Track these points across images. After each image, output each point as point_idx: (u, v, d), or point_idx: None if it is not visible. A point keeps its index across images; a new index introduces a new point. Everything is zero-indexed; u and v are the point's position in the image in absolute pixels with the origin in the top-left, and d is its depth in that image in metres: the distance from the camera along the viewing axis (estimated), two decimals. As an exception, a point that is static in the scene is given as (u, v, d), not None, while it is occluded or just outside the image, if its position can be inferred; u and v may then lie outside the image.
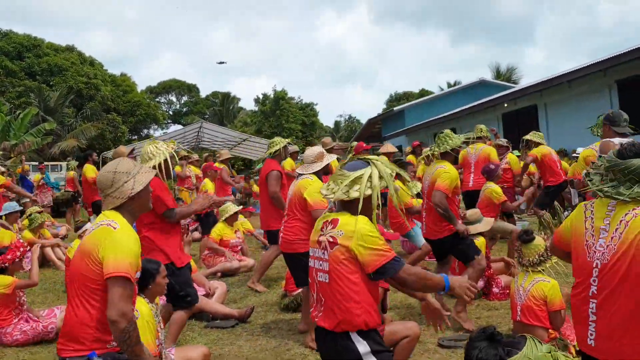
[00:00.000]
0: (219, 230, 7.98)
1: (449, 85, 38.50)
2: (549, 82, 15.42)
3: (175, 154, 4.64)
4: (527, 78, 39.66)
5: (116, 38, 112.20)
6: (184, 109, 56.06)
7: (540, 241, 4.21)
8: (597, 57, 14.58)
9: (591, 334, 2.52)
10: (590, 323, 2.52)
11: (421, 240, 6.83)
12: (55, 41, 37.40)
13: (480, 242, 5.78)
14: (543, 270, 4.11)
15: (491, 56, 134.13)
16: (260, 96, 41.95)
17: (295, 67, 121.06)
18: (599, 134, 5.21)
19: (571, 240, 2.70)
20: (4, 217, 8.42)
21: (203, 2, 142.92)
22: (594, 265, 2.52)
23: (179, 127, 44.74)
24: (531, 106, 16.77)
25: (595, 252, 2.53)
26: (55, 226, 10.87)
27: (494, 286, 5.84)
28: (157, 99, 53.32)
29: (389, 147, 10.42)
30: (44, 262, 8.50)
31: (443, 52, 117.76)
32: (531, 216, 10.04)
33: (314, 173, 4.99)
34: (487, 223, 6.03)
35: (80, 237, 6.97)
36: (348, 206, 2.81)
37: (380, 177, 2.83)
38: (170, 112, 55.54)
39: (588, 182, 2.70)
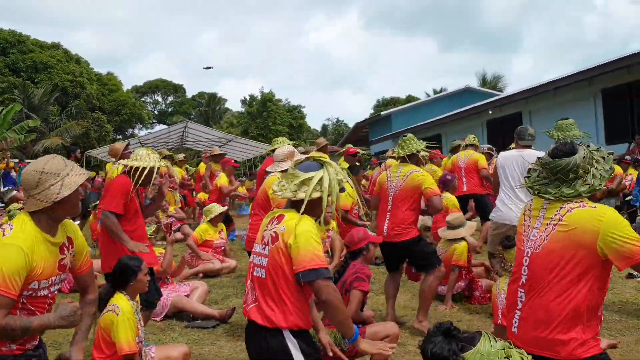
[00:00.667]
0: (202, 230, 7.92)
1: (435, 92, 38.76)
2: (534, 89, 15.57)
3: (157, 169, 4.56)
4: (513, 86, 40.02)
5: (103, 37, 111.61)
6: (170, 109, 55.79)
7: None
8: (582, 67, 14.75)
9: (515, 322, 2.59)
10: (516, 311, 2.60)
11: None
12: (41, 38, 37.04)
13: (462, 246, 5.82)
14: None
15: (478, 64, 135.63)
16: (247, 97, 41.92)
17: (284, 70, 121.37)
18: (557, 138, 5.30)
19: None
20: None
21: (192, 3, 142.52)
22: (525, 254, 2.61)
23: (164, 127, 44.54)
24: (516, 113, 16.91)
25: (528, 241, 2.61)
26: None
27: (475, 290, 5.88)
28: (143, 99, 53.03)
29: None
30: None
31: (431, 59, 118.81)
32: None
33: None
34: (470, 227, 6.08)
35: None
36: (296, 205, 2.77)
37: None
38: (156, 112, 55.27)
39: (526, 178, 2.79)
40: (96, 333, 3.62)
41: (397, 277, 5.38)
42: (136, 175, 4.35)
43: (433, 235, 7.88)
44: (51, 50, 36.00)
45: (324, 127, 54.94)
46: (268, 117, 38.21)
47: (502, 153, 5.83)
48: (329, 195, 2.78)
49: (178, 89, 56.72)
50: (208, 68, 55.66)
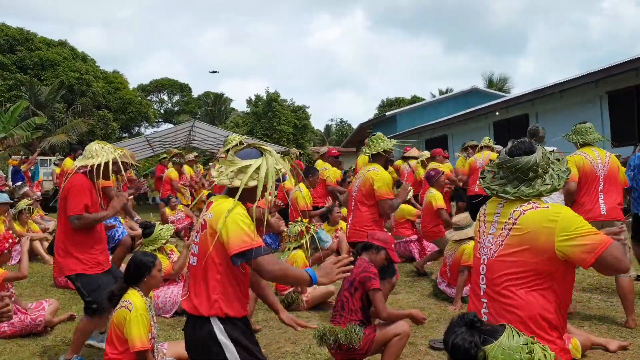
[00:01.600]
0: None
1: (441, 93, 38.68)
2: (540, 91, 15.55)
3: (119, 162, 4.48)
4: (519, 88, 40.04)
5: (110, 35, 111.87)
6: (176, 108, 55.80)
7: None
8: (588, 69, 14.74)
9: None
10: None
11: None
12: (48, 36, 37.13)
13: (471, 246, 5.82)
14: None
15: (483, 66, 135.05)
16: (253, 97, 41.93)
17: (288, 70, 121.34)
18: (574, 141, 5.37)
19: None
20: None
21: (198, 2, 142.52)
22: (482, 262, 2.52)
23: (170, 125, 44.55)
24: (522, 115, 16.89)
25: (483, 248, 2.53)
26: (45, 220, 10.81)
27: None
28: (149, 97, 53.03)
29: (414, 151, 10.60)
30: (32, 255, 8.44)
31: (436, 60, 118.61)
32: None
33: None
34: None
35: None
36: (232, 193, 2.72)
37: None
38: (162, 111, 55.29)
39: (481, 179, 2.74)
40: (109, 329, 3.64)
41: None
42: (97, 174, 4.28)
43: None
44: (58, 47, 36.09)
45: (328, 127, 54.91)
46: (273, 117, 38.19)
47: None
48: (264, 184, 2.72)
49: (184, 88, 56.74)
50: (214, 72, 55.85)
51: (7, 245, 5.50)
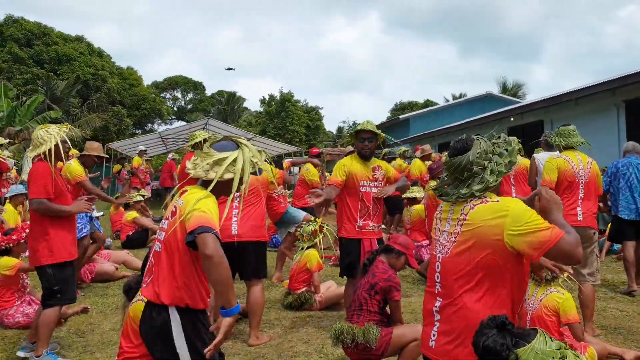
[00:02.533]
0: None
1: (455, 98, 38.54)
2: (556, 98, 15.46)
3: (67, 139, 4.45)
4: (533, 95, 39.77)
5: (126, 32, 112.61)
6: (189, 106, 56.05)
7: None
8: (602, 77, 14.61)
9: (434, 335, 2.42)
10: (435, 322, 2.43)
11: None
12: (65, 31, 37.44)
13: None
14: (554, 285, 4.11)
15: (497, 71, 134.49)
16: (266, 97, 42.03)
17: (302, 70, 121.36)
18: (557, 143, 5.36)
19: None
20: (8, 200, 8.43)
21: (213, 1, 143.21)
22: (437, 259, 2.48)
23: (183, 123, 44.75)
24: (537, 122, 16.79)
25: (438, 245, 2.49)
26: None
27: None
28: (163, 95, 53.31)
29: (426, 148, 10.56)
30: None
31: (450, 65, 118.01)
32: None
33: None
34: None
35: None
36: (206, 185, 2.71)
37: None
38: (175, 108, 55.55)
39: (432, 181, 2.76)
40: (125, 322, 3.65)
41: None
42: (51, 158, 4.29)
43: None
44: (74, 43, 36.35)
45: (340, 129, 54.91)
46: (286, 117, 38.24)
47: (537, 155, 6.89)
48: (240, 177, 2.70)
49: (198, 86, 56.98)
50: (229, 69, 56.11)
51: (23, 235, 5.56)
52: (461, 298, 2.32)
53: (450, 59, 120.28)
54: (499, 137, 2.52)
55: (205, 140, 6.40)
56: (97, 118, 29.87)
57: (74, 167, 6.33)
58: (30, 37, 34.22)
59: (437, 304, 2.43)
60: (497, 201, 2.33)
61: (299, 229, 6.49)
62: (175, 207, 2.67)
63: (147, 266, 2.74)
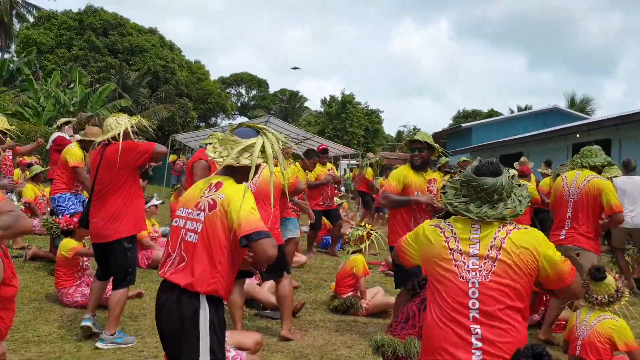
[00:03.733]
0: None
1: (520, 109, 37.59)
2: (627, 117, 14.84)
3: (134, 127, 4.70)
4: (602, 111, 38.30)
5: (197, 26, 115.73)
6: (252, 102, 57.01)
7: (611, 280, 4.04)
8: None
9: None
10: (474, 351, 2.34)
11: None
12: (139, 22, 38.81)
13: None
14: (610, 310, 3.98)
15: (566, 85, 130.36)
16: (328, 97, 42.23)
17: (366, 73, 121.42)
18: (580, 163, 5.26)
19: (423, 259, 2.64)
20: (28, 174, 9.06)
21: (287, 1, 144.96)
22: (470, 285, 2.40)
23: (245, 119, 45.48)
24: (605, 140, 16.16)
25: (467, 271, 2.41)
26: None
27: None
28: (228, 90, 54.42)
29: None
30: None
31: (518, 76, 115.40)
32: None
33: None
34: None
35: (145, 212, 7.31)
36: (233, 172, 2.75)
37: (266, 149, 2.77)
38: (239, 104, 56.61)
39: (442, 194, 2.67)
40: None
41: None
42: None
43: None
44: (148, 35, 37.63)
45: (399, 133, 54.55)
46: (346, 119, 38.33)
47: (617, 179, 7.39)
48: (275, 159, 2.77)
49: (262, 84, 57.85)
50: (295, 68, 56.83)
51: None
52: (505, 323, 2.34)
53: (519, 70, 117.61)
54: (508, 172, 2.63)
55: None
56: (164, 109, 30.84)
57: (74, 152, 6.42)
58: (106, 27, 35.67)
59: (477, 330, 2.36)
60: (527, 228, 2.45)
61: (347, 233, 6.50)
62: (213, 200, 2.68)
63: (170, 252, 2.78)
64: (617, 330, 3.81)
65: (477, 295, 2.38)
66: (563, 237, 5.05)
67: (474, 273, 2.40)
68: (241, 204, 2.57)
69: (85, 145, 6.46)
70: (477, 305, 2.38)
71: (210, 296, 2.65)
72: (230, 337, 4.00)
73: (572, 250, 4.92)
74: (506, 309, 2.34)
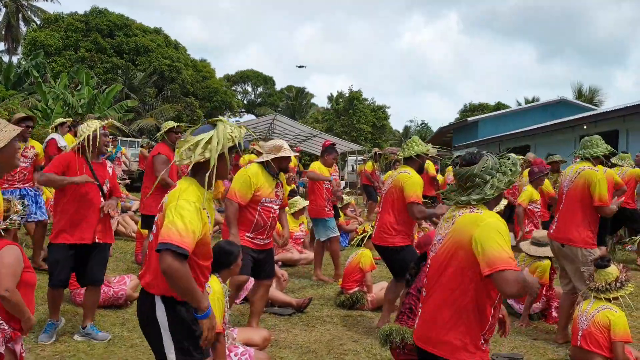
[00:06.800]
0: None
1: (527, 102, 37.42)
2: (635, 107, 14.77)
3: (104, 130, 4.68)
4: (611, 102, 38.00)
5: (202, 25, 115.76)
6: (258, 100, 57.07)
7: (614, 270, 4.15)
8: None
9: (417, 320, 2.78)
10: (419, 309, 2.79)
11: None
12: (144, 22, 38.99)
13: (546, 264, 5.69)
14: (610, 299, 4.04)
15: (577, 76, 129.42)
16: (335, 94, 42.22)
17: (375, 68, 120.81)
18: (579, 154, 5.24)
19: None
20: None
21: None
22: (430, 257, 2.77)
23: (252, 116, 45.60)
24: (612, 131, 16.10)
25: (434, 245, 2.76)
26: (129, 199, 11.34)
27: (552, 309, 5.75)
28: (234, 88, 54.52)
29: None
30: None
31: (528, 68, 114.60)
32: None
33: (262, 162, 4.84)
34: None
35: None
36: (197, 171, 2.73)
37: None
38: (245, 102, 56.69)
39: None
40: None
41: (399, 286, 5.03)
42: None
43: None
44: (153, 35, 37.80)
45: (406, 128, 54.45)
46: (353, 115, 38.31)
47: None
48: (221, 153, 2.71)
49: (268, 81, 57.87)
50: (301, 67, 56.59)
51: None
52: (435, 291, 2.66)
53: (529, 63, 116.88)
54: (508, 158, 2.75)
55: (171, 130, 6.44)
56: (171, 108, 31.03)
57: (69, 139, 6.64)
58: (112, 28, 35.86)
59: (424, 293, 2.77)
60: (480, 212, 2.58)
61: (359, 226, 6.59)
62: (163, 202, 2.72)
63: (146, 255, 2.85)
64: (614, 320, 3.88)
65: (429, 265, 2.77)
66: (552, 230, 5.08)
67: (435, 248, 2.75)
68: (172, 211, 2.55)
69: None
70: (427, 273, 2.78)
71: (165, 297, 2.66)
72: (239, 333, 4.09)
73: (558, 243, 4.95)
74: (440, 279, 2.63)
